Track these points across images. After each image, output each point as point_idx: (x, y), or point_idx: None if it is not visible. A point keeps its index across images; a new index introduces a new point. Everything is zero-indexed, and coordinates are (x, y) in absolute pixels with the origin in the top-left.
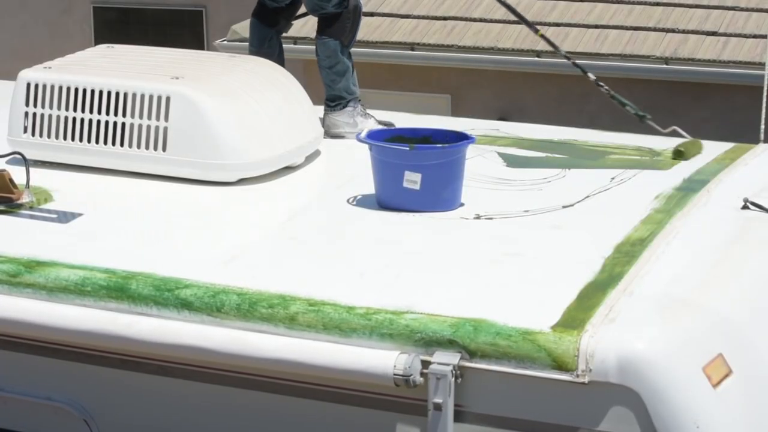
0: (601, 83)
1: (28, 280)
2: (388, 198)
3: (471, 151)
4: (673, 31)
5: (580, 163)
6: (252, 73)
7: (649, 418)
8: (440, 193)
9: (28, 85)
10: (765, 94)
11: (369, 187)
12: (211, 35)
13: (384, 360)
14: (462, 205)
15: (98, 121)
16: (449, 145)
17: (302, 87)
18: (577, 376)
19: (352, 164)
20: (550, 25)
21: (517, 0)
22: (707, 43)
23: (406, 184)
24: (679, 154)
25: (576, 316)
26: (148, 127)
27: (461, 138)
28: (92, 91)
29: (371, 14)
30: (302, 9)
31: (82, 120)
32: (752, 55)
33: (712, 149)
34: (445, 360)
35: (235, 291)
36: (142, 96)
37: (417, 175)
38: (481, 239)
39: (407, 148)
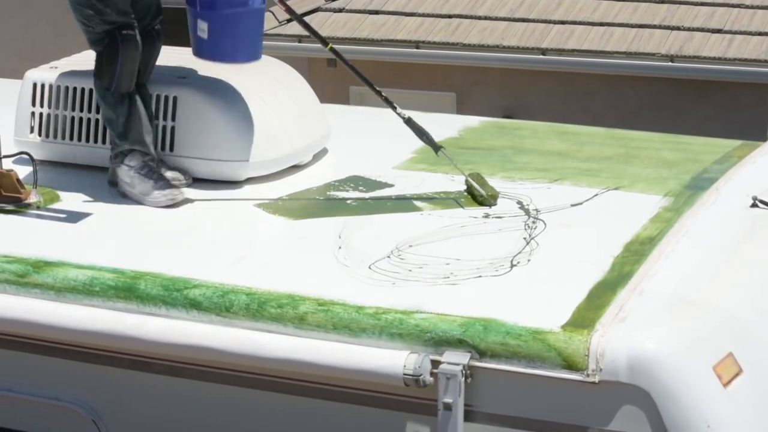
0: (399, 112)
1: (36, 280)
2: (193, 45)
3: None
4: (678, 28)
5: (588, 161)
6: (259, 72)
7: (659, 418)
8: (220, 44)
9: (35, 85)
10: None
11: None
12: None
13: (394, 360)
14: (258, 59)
15: None
16: None
17: (309, 85)
18: (588, 375)
19: (360, 162)
20: (555, 23)
21: None
22: (712, 40)
23: (198, 33)
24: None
25: (586, 316)
26: (155, 126)
27: None
28: None
29: (376, 12)
30: None
31: (89, 120)
32: (757, 53)
33: (721, 147)
34: (455, 360)
35: (244, 291)
36: (149, 96)
37: (205, 24)
38: (491, 238)
39: None
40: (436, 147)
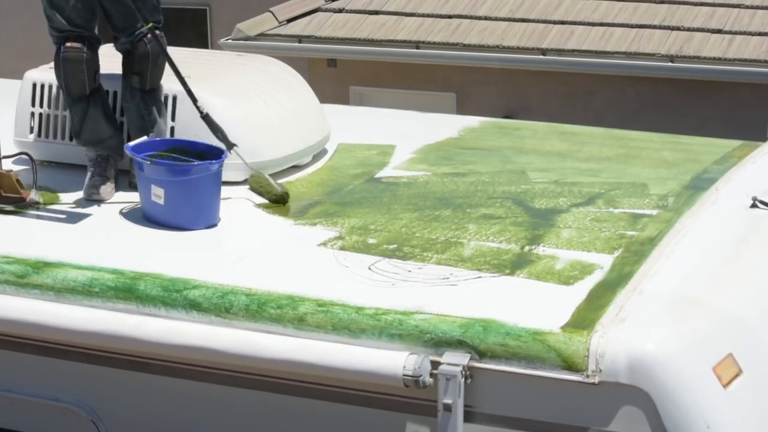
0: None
1: (35, 280)
2: (145, 209)
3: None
4: (678, 28)
5: (588, 161)
6: (259, 72)
7: (659, 419)
8: (181, 210)
9: (35, 85)
10: None
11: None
12: (215, 34)
13: (393, 361)
14: (215, 225)
15: None
16: (185, 164)
17: (309, 85)
18: (587, 376)
19: (360, 163)
20: (555, 23)
21: None
22: (712, 40)
23: (153, 198)
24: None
25: (586, 316)
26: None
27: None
28: None
29: (376, 12)
30: None
31: None
32: (757, 53)
33: (721, 147)
34: (454, 360)
35: (243, 291)
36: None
37: (161, 190)
38: (491, 239)
39: (147, 161)
40: (229, 144)
